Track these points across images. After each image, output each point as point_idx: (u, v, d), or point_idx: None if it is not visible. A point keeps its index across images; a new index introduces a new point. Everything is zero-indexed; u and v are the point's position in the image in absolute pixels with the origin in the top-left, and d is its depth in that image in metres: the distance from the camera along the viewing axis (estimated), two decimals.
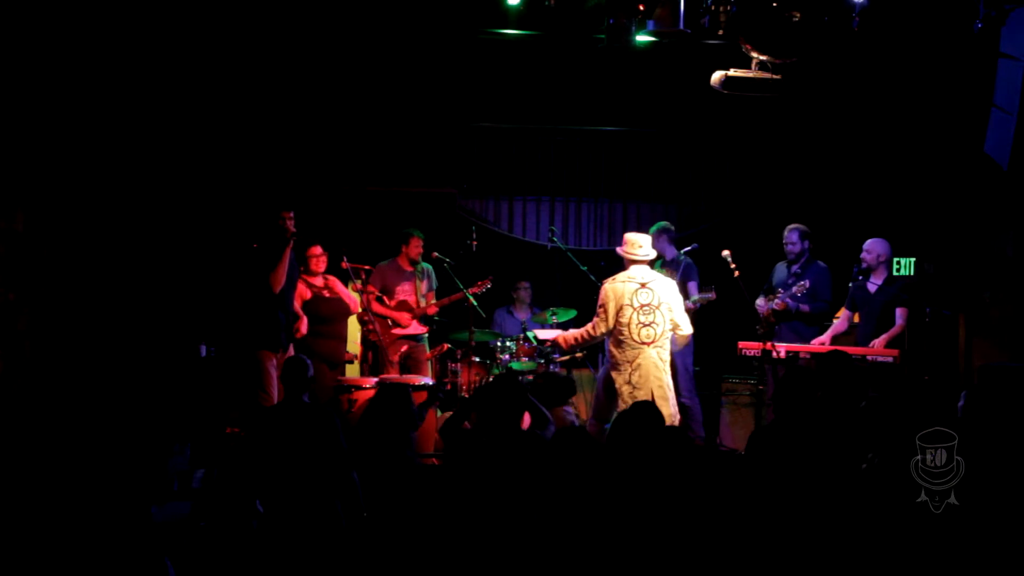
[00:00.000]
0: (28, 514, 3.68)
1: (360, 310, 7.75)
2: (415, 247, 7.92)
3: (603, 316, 6.52)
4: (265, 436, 5.15)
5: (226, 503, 4.58)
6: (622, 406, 6.28)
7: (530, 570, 3.64)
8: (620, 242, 6.82)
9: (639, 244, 6.66)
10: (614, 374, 6.48)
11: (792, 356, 7.00)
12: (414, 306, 7.93)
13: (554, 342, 7.11)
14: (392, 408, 5.10)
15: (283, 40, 8.02)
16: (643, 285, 6.51)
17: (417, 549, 3.83)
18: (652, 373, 6.40)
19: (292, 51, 8.13)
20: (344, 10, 7.90)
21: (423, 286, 8.02)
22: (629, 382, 6.39)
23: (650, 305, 6.47)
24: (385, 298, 7.88)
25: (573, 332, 6.85)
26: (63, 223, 7.28)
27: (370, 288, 7.75)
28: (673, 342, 6.72)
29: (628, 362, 6.43)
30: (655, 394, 6.31)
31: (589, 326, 6.67)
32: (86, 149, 7.38)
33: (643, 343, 6.43)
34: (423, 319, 8.01)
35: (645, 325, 6.43)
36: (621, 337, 6.46)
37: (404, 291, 7.95)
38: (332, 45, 8.20)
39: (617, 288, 6.52)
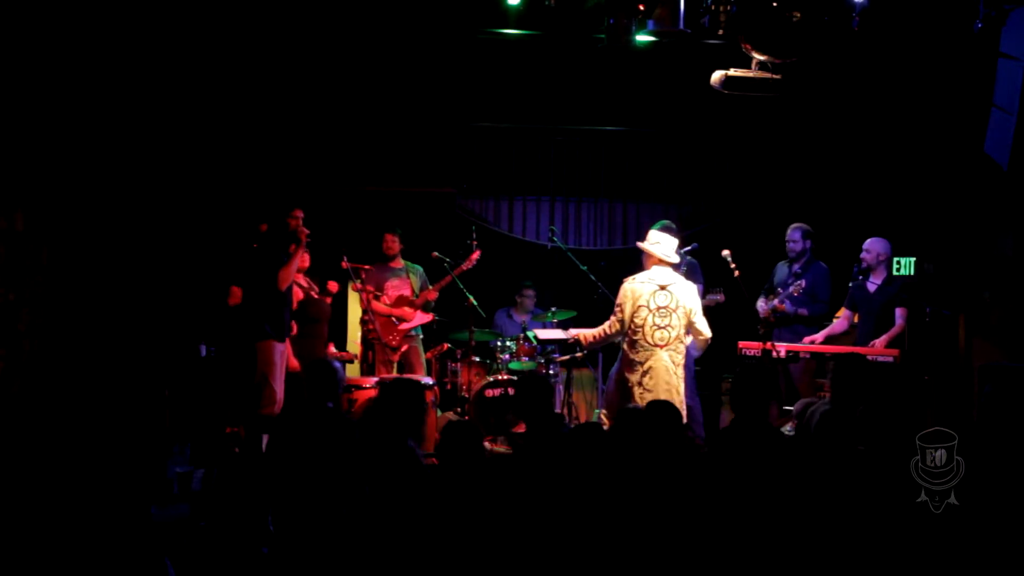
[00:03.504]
0: (28, 514, 3.68)
1: (363, 310, 7.79)
2: (387, 242, 8.02)
3: (619, 315, 6.44)
4: (286, 441, 4.99)
5: (226, 503, 4.56)
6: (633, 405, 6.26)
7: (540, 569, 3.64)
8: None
9: (664, 244, 6.54)
10: (627, 373, 6.40)
11: (792, 355, 7.01)
12: (411, 297, 7.99)
13: (576, 340, 6.91)
14: (404, 403, 4.99)
15: (283, 40, 8.01)
16: (662, 287, 6.41)
17: (427, 548, 3.83)
18: (663, 377, 6.31)
19: (292, 51, 8.13)
20: (344, 10, 7.89)
21: (416, 284, 8.11)
22: (640, 383, 6.32)
23: (667, 308, 6.36)
24: (383, 297, 7.93)
25: (592, 331, 6.72)
26: (63, 223, 7.28)
27: (368, 288, 7.77)
28: (692, 345, 6.64)
29: (640, 363, 6.35)
30: (663, 398, 6.24)
31: (606, 325, 6.57)
32: (86, 149, 7.37)
33: (656, 345, 6.35)
34: (425, 306, 8.05)
35: (660, 328, 6.34)
36: (635, 338, 6.37)
37: (393, 287, 8.03)
38: (332, 45, 8.20)
39: (636, 288, 6.42)
